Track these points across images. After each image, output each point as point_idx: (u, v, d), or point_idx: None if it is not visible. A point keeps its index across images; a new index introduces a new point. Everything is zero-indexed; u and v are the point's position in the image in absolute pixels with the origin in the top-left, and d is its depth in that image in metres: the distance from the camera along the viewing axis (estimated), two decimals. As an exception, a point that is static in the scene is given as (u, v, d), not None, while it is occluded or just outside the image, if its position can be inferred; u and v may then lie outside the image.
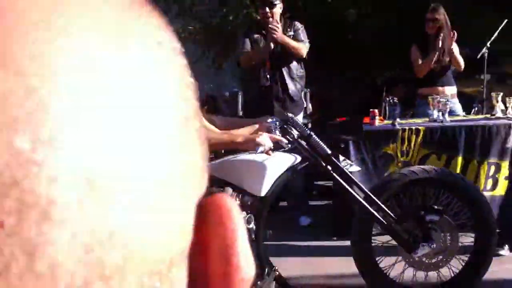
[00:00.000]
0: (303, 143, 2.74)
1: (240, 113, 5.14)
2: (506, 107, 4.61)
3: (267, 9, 4.20)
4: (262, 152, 2.61)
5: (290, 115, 2.83)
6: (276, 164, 2.76)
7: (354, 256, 3.03)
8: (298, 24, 4.35)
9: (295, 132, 2.73)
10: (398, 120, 4.33)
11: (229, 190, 2.70)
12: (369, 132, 4.25)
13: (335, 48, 7.34)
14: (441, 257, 3.00)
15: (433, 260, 2.99)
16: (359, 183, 2.89)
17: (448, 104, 4.47)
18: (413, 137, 4.07)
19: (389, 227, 2.90)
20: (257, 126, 2.80)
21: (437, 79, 4.70)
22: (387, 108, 5.31)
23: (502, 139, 4.17)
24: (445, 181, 3.09)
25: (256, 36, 4.26)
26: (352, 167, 2.91)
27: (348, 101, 7.61)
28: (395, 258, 2.97)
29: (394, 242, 2.94)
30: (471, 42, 5.66)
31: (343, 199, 3.87)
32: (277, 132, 2.71)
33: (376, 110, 4.45)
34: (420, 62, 4.64)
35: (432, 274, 3.01)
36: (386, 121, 4.59)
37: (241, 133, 2.73)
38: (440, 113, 4.33)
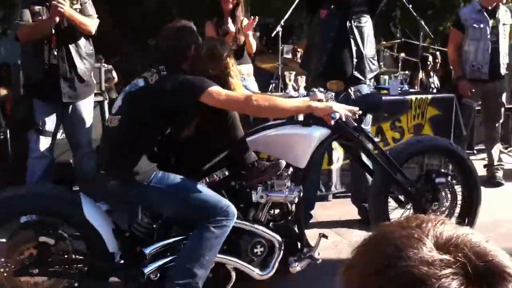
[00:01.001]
0: None
1: (21, 91, 4.67)
2: (299, 86, 4.82)
3: (52, -21, 3.84)
4: (337, 119, 2.91)
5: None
6: (314, 137, 3.05)
7: (371, 216, 3.49)
8: (86, -4, 4.06)
9: None
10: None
11: (283, 162, 2.97)
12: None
13: (135, 17, 7.02)
14: (445, 214, 3.53)
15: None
16: (384, 151, 3.34)
17: (243, 83, 4.50)
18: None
19: (406, 190, 3.37)
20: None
21: (237, 58, 4.68)
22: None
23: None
24: (441, 147, 3.64)
25: (37, 7, 3.85)
26: (376, 138, 3.36)
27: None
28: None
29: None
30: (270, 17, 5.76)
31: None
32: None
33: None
34: None
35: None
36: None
37: (316, 101, 2.96)
38: (235, 93, 4.35)
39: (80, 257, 2.84)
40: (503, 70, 5.39)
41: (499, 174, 5.51)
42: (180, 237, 2.83)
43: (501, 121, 5.60)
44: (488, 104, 5.49)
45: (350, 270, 0.71)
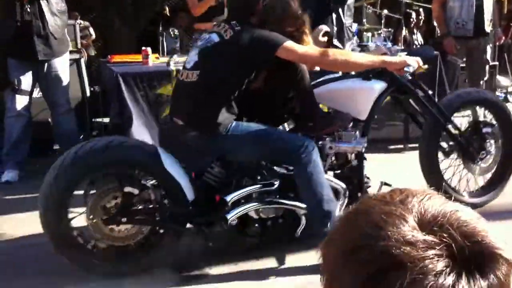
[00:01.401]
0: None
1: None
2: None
3: None
4: (410, 72, 3.10)
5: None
6: (375, 90, 3.22)
7: (420, 160, 3.68)
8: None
9: None
10: (175, 57, 4.11)
11: (350, 115, 3.17)
12: (143, 73, 3.98)
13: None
14: (490, 162, 3.80)
15: (486, 165, 3.78)
16: (439, 104, 3.53)
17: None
18: (189, 78, 3.90)
19: (456, 139, 3.62)
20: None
21: (214, 14, 4.54)
22: (164, 43, 5.05)
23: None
24: (483, 99, 3.84)
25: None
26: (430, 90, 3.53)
27: (129, 32, 7.13)
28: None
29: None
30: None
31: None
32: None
33: (149, 48, 4.16)
34: (195, 1, 4.44)
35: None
36: (162, 59, 4.34)
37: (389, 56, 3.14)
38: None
39: (162, 205, 3.03)
40: (487, 27, 5.33)
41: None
42: (258, 186, 3.03)
43: (485, 78, 5.56)
44: (472, 61, 5.54)
45: (328, 246, 0.67)
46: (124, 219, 2.94)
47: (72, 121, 4.58)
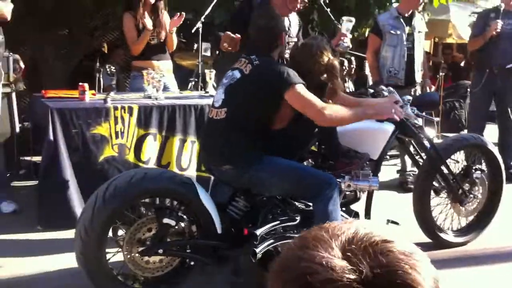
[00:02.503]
0: None
1: None
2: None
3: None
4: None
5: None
6: (388, 132, 3.46)
7: (414, 196, 3.90)
8: (-6, -20, 3.72)
9: None
10: (112, 94, 3.98)
11: (368, 155, 3.35)
12: (78, 109, 3.82)
13: (47, 5, 6.55)
14: (476, 205, 4.03)
15: (472, 208, 4.01)
16: (437, 147, 3.76)
17: (162, 80, 4.28)
18: (127, 116, 3.76)
19: (448, 181, 3.85)
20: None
21: (153, 53, 4.48)
22: (101, 79, 4.88)
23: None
24: (478, 145, 4.09)
25: None
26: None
27: (64, 67, 6.88)
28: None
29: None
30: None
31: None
32: None
33: (86, 84, 4.00)
34: (135, 37, 4.33)
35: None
36: (99, 96, 4.19)
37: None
38: (155, 89, 4.11)
39: (193, 238, 3.12)
40: (418, 77, 5.49)
41: (411, 179, 5.63)
42: (282, 220, 3.13)
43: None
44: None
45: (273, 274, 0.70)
46: (161, 251, 3.01)
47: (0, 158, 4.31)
